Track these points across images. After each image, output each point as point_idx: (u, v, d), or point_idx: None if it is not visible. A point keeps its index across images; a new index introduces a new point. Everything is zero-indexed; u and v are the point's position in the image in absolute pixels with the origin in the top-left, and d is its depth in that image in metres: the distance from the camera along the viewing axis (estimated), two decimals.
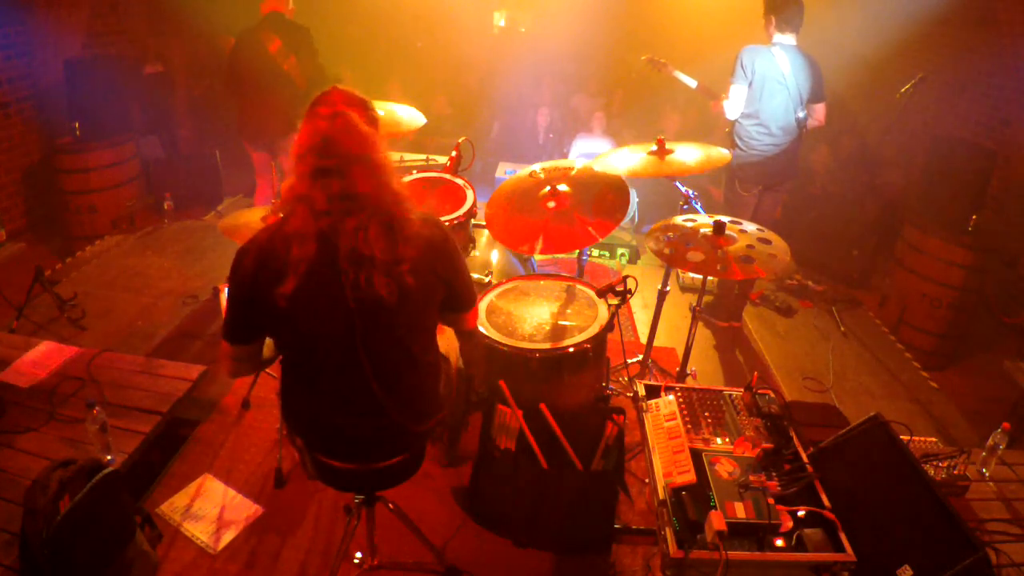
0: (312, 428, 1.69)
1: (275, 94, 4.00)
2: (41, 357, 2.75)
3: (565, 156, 5.89)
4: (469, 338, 1.94)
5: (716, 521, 1.55)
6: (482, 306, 2.60)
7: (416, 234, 1.51)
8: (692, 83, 3.76)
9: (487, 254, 3.29)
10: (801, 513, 1.67)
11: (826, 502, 1.72)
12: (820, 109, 3.58)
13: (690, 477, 1.73)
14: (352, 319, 1.49)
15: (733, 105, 3.56)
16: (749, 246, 2.36)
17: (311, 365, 1.60)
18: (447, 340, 1.99)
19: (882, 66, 5.40)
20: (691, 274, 3.02)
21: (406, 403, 1.65)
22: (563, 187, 2.78)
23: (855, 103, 5.89)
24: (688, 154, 2.76)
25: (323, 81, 4.01)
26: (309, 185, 1.44)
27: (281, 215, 1.54)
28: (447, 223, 2.48)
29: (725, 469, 1.76)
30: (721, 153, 2.77)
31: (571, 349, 2.37)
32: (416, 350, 1.64)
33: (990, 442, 2.30)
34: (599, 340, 2.46)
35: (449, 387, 1.85)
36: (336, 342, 1.53)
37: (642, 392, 2.08)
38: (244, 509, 2.43)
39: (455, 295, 1.68)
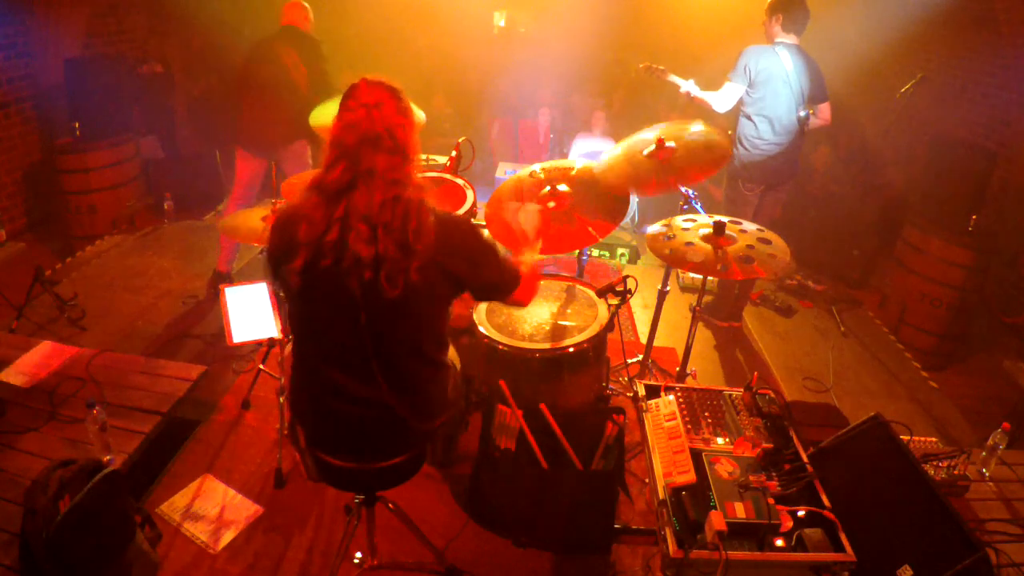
0: (313, 412, 1.69)
1: (283, 104, 4.01)
2: (41, 357, 2.75)
3: (565, 156, 5.89)
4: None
5: (716, 521, 1.55)
6: (482, 306, 2.60)
7: (429, 231, 1.51)
8: (690, 89, 3.70)
9: None
10: (801, 513, 1.67)
11: (826, 502, 1.72)
12: (825, 108, 3.58)
13: (690, 477, 1.73)
14: (357, 309, 1.51)
15: (724, 100, 3.54)
16: (749, 246, 2.35)
17: (318, 347, 1.62)
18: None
19: (882, 66, 5.40)
20: (691, 274, 3.02)
21: (412, 397, 1.65)
22: (563, 187, 2.78)
23: (855, 103, 5.88)
24: (689, 134, 2.73)
25: (327, 87, 4.04)
26: (325, 173, 1.49)
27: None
28: None
29: (725, 469, 1.76)
30: (720, 141, 2.73)
31: (571, 349, 2.37)
32: (425, 345, 1.64)
33: (990, 442, 2.30)
34: (599, 340, 2.46)
35: (457, 392, 1.85)
36: (341, 328, 1.55)
37: (642, 392, 2.09)
38: (244, 509, 2.44)
39: (482, 288, 1.71)
